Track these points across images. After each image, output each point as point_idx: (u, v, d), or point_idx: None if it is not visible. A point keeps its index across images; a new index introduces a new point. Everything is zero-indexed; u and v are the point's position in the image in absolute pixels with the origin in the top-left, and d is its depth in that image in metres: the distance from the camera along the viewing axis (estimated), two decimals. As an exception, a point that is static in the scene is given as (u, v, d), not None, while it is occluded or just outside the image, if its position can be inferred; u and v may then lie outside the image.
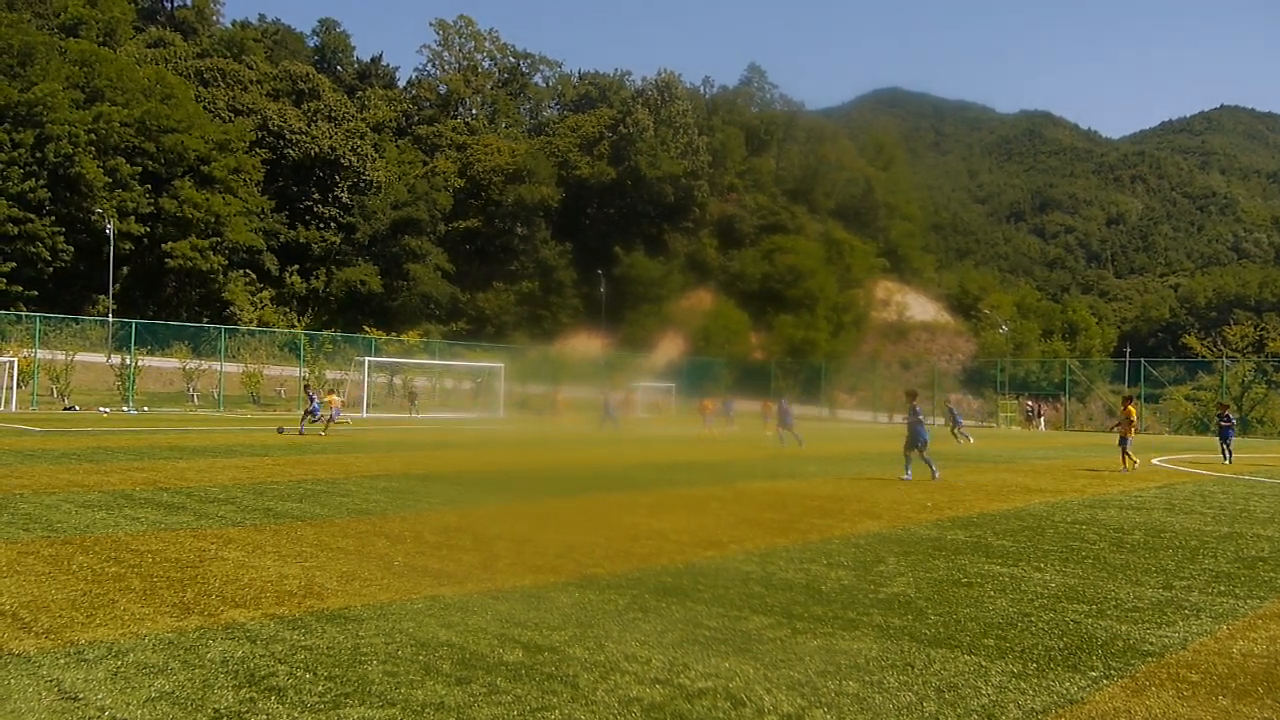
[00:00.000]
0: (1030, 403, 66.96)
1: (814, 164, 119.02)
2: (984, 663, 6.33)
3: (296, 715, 5.02)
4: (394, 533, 11.15)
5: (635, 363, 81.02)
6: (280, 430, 31.33)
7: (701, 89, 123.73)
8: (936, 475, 19.45)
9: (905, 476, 19.29)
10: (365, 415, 46.37)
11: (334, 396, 34.49)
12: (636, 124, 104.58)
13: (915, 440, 19.45)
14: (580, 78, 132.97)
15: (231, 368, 55.42)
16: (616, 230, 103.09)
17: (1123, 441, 23.77)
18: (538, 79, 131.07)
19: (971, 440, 37.09)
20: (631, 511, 13.77)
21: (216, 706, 5.11)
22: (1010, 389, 73.32)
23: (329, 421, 31.89)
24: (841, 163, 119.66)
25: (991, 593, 8.60)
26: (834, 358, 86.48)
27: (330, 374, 56.61)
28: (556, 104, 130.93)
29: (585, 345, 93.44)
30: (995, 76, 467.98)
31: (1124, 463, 23.47)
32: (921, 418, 19.88)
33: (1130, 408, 24.59)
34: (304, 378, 40.58)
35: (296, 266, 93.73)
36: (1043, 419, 63.41)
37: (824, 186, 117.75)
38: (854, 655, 6.41)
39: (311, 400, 32.35)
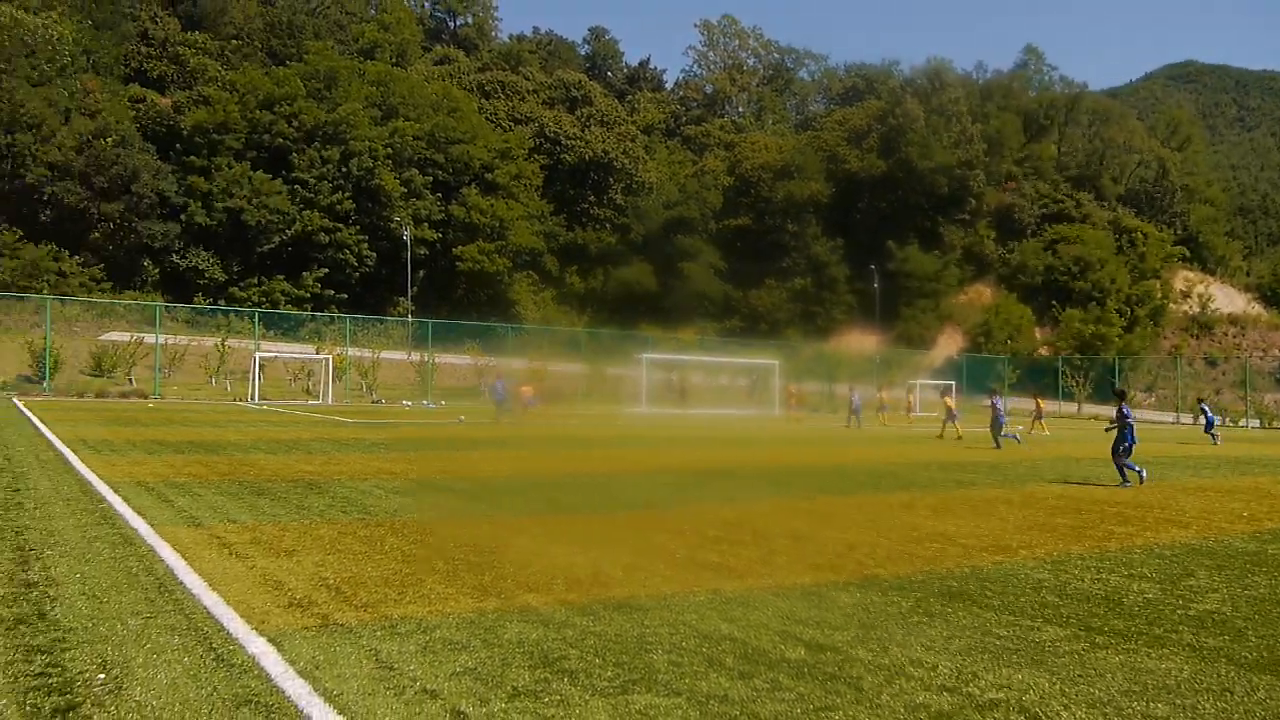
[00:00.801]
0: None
1: (1100, 147, 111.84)
2: (1317, 692, 5.75)
3: (587, 698, 5.21)
4: (674, 526, 11.37)
5: (912, 360, 79.03)
6: (460, 420, 32.88)
7: (974, 75, 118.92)
8: (1128, 483, 17.78)
9: (1125, 484, 17.76)
10: (644, 410, 47.56)
11: (527, 388, 35.90)
12: (906, 114, 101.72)
13: (1120, 442, 18.05)
14: (846, 70, 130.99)
15: (518, 364, 58.31)
16: (889, 224, 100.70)
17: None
18: (803, 74, 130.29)
19: (1219, 442, 34.03)
20: (913, 512, 13.44)
21: (514, 684, 5.39)
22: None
23: (524, 409, 33.23)
24: (1131, 144, 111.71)
25: (1322, 613, 7.80)
26: (1128, 354, 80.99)
27: (611, 370, 58.49)
28: (823, 98, 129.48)
29: (859, 342, 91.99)
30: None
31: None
32: (1131, 420, 18.37)
33: None
34: (498, 375, 42.20)
35: (575, 267, 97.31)
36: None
37: (1111, 171, 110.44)
38: (1162, 675, 5.98)
39: (498, 390, 33.49)
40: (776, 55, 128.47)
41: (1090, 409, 66.03)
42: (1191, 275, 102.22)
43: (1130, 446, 18.04)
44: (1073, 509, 14.28)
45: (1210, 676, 5.99)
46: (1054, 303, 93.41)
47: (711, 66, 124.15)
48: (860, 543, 10.55)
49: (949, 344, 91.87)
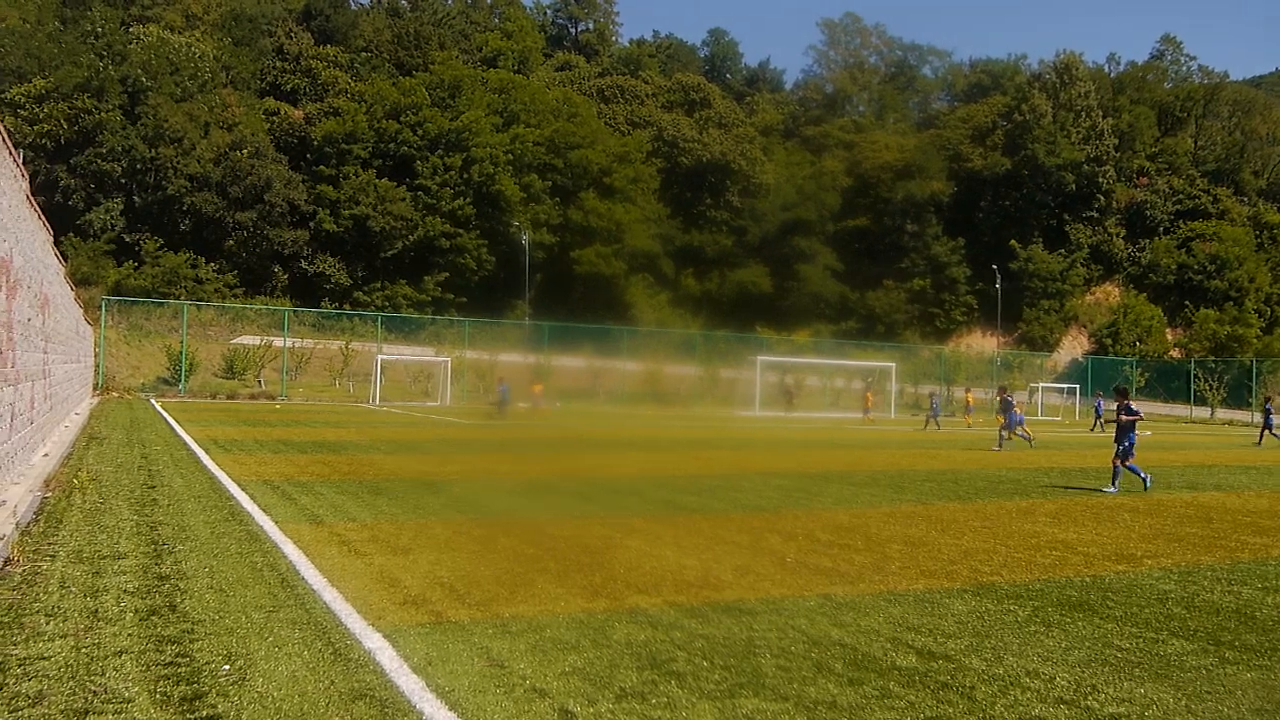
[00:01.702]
0: None
1: (1240, 140, 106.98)
2: None
3: (695, 701, 5.22)
4: (786, 529, 11.30)
5: (1034, 362, 76.88)
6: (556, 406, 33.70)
7: (1106, 67, 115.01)
8: (1115, 489, 16.54)
9: (1113, 489, 16.56)
10: (757, 413, 47.34)
11: (538, 386, 36.00)
12: (1033, 110, 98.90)
13: (1119, 443, 16.78)
14: (972, 66, 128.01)
15: (633, 366, 58.61)
16: (1012, 223, 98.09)
17: None
18: (926, 71, 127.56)
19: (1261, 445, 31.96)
20: (1032, 519, 13.08)
21: (622, 685, 5.43)
22: None
23: (535, 409, 33.41)
24: (1275, 136, 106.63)
25: None
26: (1267, 356, 77.27)
27: (725, 373, 58.39)
28: (946, 95, 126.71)
29: (980, 344, 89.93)
30: None
31: None
32: (1136, 418, 17.03)
33: None
34: (501, 378, 42.06)
35: (691, 269, 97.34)
36: None
37: (1252, 164, 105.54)
38: (1297, 693, 5.70)
39: (502, 389, 33.89)
40: (899, 53, 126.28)
41: (1224, 414, 63.24)
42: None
43: (1129, 448, 16.76)
44: (1202, 518, 13.70)
45: (1351, 696, 5.69)
46: (1187, 303, 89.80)
47: (832, 65, 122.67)
48: (976, 549, 10.32)
49: (1073, 346, 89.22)
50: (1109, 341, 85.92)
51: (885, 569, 9.04)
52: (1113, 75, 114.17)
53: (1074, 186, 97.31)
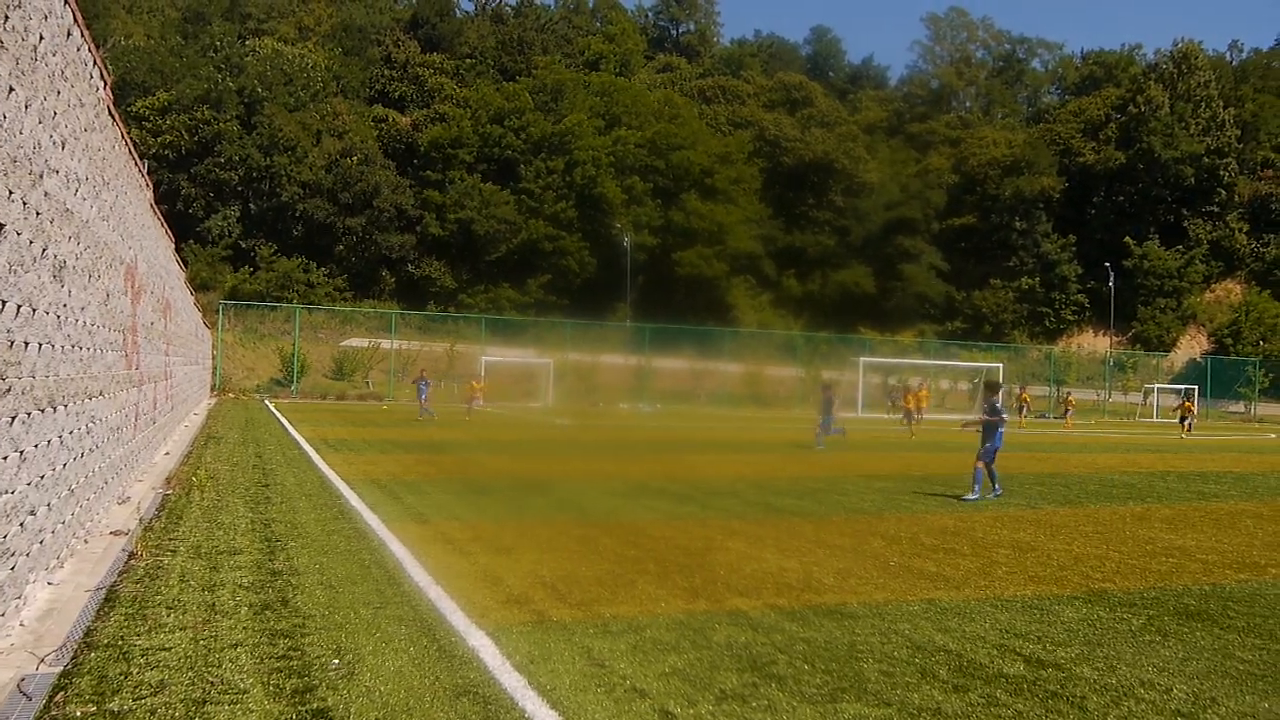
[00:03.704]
0: None
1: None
2: None
3: (795, 704, 5.18)
4: (889, 533, 11.15)
5: (1149, 363, 74.44)
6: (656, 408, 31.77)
7: (1228, 55, 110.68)
8: (975, 496, 14.53)
9: (973, 495, 14.59)
10: (860, 415, 46.75)
11: (476, 383, 34.39)
12: (1149, 101, 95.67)
13: (984, 443, 14.84)
14: (1083, 58, 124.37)
15: (734, 368, 58.40)
16: (1126, 219, 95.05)
17: None
18: (1035, 64, 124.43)
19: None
20: (1147, 524, 12.67)
21: (722, 687, 5.42)
22: None
23: (469, 408, 31.93)
24: None
25: None
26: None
27: (826, 373, 57.81)
28: (1057, 88, 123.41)
29: (1091, 344, 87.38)
30: None
31: None
32: (1002, 418, 14.98)
33: None
34: (422, 371, 39.18)
35: (793, 270, 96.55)
36: None
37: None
38: None
39: (421, 389, 32.23)
40: (1008, 46, 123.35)
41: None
42: None
43: (993, 449, 14.78)
44: (1335, 525, 13.11)
45: None
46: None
47: (938, 60, 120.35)
48: (1088, 555, 10.04)
49: (1192, 346, 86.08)
50: (1229, 341, 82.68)
51: (992, 574, 8.85)
52: (1235, 63, 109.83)
53: (1193, 180, 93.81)
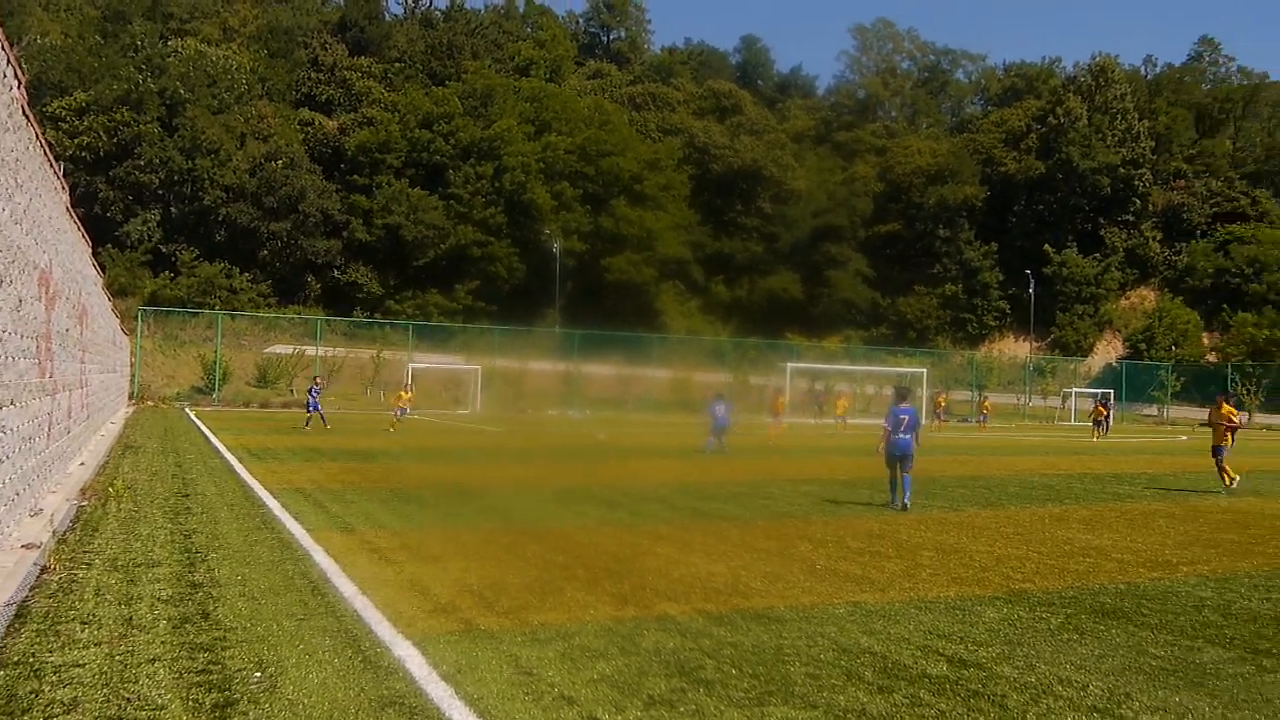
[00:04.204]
0: None
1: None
2: None
3: (723, 709, 5.21)
4: (816, 536, 11.27)
5: (1067, 367, 76.19)
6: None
7: (1142, 69, 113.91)
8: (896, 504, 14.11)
9: (893, 504, 14.20)
10: (785, 420, 47.10)
11: (405, 393, 33.63)
12: (1068, 113, 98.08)
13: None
14: (1005, 69, 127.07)
15: (663, 373, 58.51)
16: (1046, 227, 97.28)
17: (1220, 451, 18.03)
18: (959, 75, 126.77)
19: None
20: (1065, 525, 12.98)
21: (650, 693, 5.43)
22: None
23: (397, 419, 31.00)
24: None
25: None
26: (1308, 360, 76.17)
27: (755, 380, 58.24)
28: (980, 99, 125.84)
29: (1012, 349, 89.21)
30: None
31: (1223, 478, 17.97)
32: (904, 418, 14.34)
33: (1227, 406, 18.49)
34: (316, 376, 37.79)
35: (721, 276, 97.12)
36: None
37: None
38: (1336, 701, 5.62)
39: (312, 395, 30.93)
40: (932, 57, 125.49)
41: (1263, 418, 62.40)
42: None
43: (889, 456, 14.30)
44: (1240, 524, 13.54)
45: (1391, 706, 5.60)
46: (1224, 306, 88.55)
47: (864, 71, 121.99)
48: (1008, 556, 10.25)
49: (1107, 351, 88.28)
50: (1144, 346, 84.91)
51: (916, 576, 8.99)
52: (1149, 77, 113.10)
53: (1109, 190, 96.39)
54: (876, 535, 11.51)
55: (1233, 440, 18.35)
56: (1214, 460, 18.33)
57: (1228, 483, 17.92)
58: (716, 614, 7.26)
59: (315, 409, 30.43)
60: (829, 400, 41.78)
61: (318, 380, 33.81)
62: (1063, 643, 6.74)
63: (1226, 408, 18.53)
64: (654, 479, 17.81)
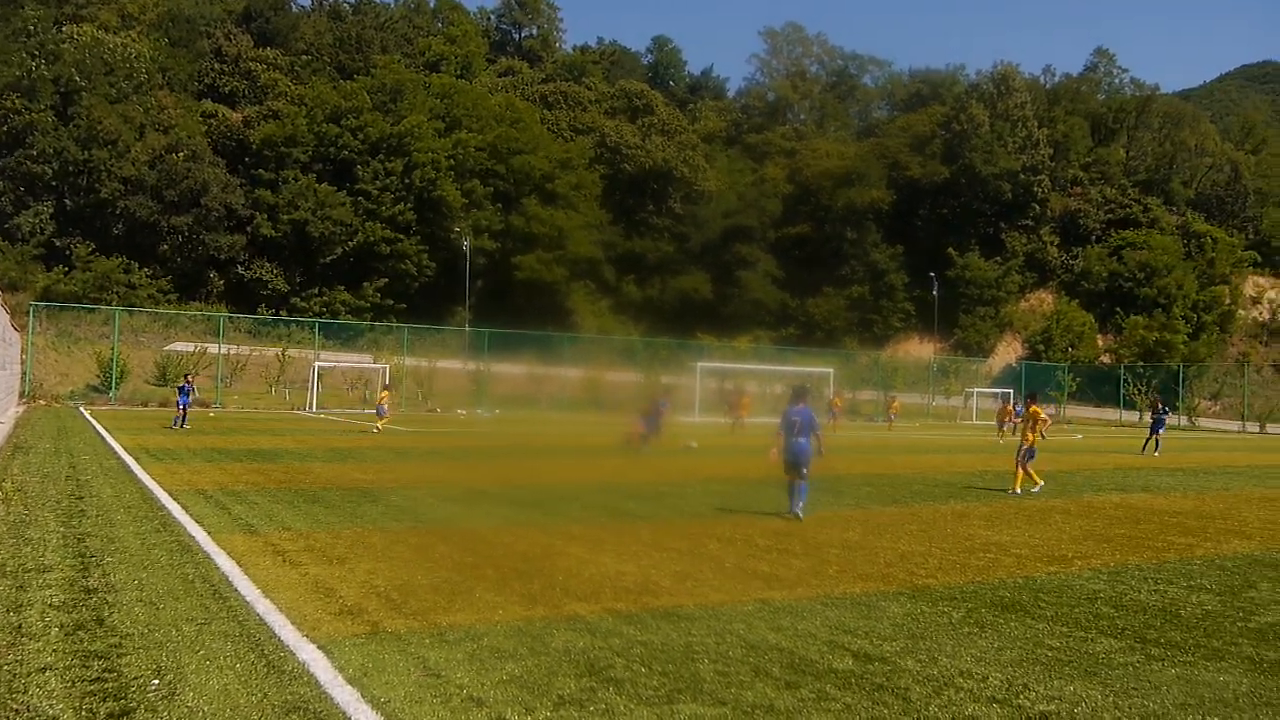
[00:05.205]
0: None
1: (1170, 151, 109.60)
2: (1383, 708, 5.59)
3: (633, 707, 5.23)
4: (725, 535, 11.36)
5: (969, 367, 78.03)
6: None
7: (1042, 79, 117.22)
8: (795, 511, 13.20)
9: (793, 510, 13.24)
10: (696, 419, 47.45)
11: (386, 393, 33.33)
12: (971, 120, 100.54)
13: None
14: (911, 76, 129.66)
15: (574, 373, 58.40)
16: (950, 231, 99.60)
17: (1025, 455, 17.41)
18: (867, 80, 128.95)
19: (1149, 451, 30.54)
20: (966, 521, 13.29)
21: (560, 693, 5.42)
22: None
23: (379, 418, 30.70)
24: (1202, 147, 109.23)
25: (1393, 629, 7.57)
26: (1193, 361, 79.24)
27: (666, 379, 58.43)
28: (886, 104, 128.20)
29: (917, 350, 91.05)
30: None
31: (1017, 482, 17.41)
32: (797, 420, 13.31)
33: (1035, 407, 18.20)
34: (192, 372, 36.80)
35: (632, 276, 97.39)
36: None
37: (1181, 175, 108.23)
38: (1219, 689, 5.86)
39: (183, 394, 29.41)
40: (841, 62, 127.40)
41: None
42: (1263, 280, 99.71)
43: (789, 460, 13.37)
44: (1131, 519, 14.03)
45: (1270, 690, 5.87)
46: (1117, 309, 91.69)
47: (774, 74, 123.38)
48: (912, 552, 10.46)
49: (1008, 351, 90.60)
50: (1042, 347, 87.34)
51: (823, 573, 9.12)
52: (1048, 86, 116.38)
53: (1010, 195, 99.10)
54: (784, 534, 11.65)
55: (1036, 439, 17.73)
56: (1020, 462, 17.58)
57: (1022, 489, 17.27)
58: (626, 613, 7.27)
59: (183, 405, 29.22)
60: (737, 400, 42.20)
61: (189, 378, 32.75)
62: (964, 636, 6.90)
63: (1034, 408, 18.25)
64: (566, 479, 17.78)
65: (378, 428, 30.15)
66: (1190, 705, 5.51)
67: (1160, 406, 33.91)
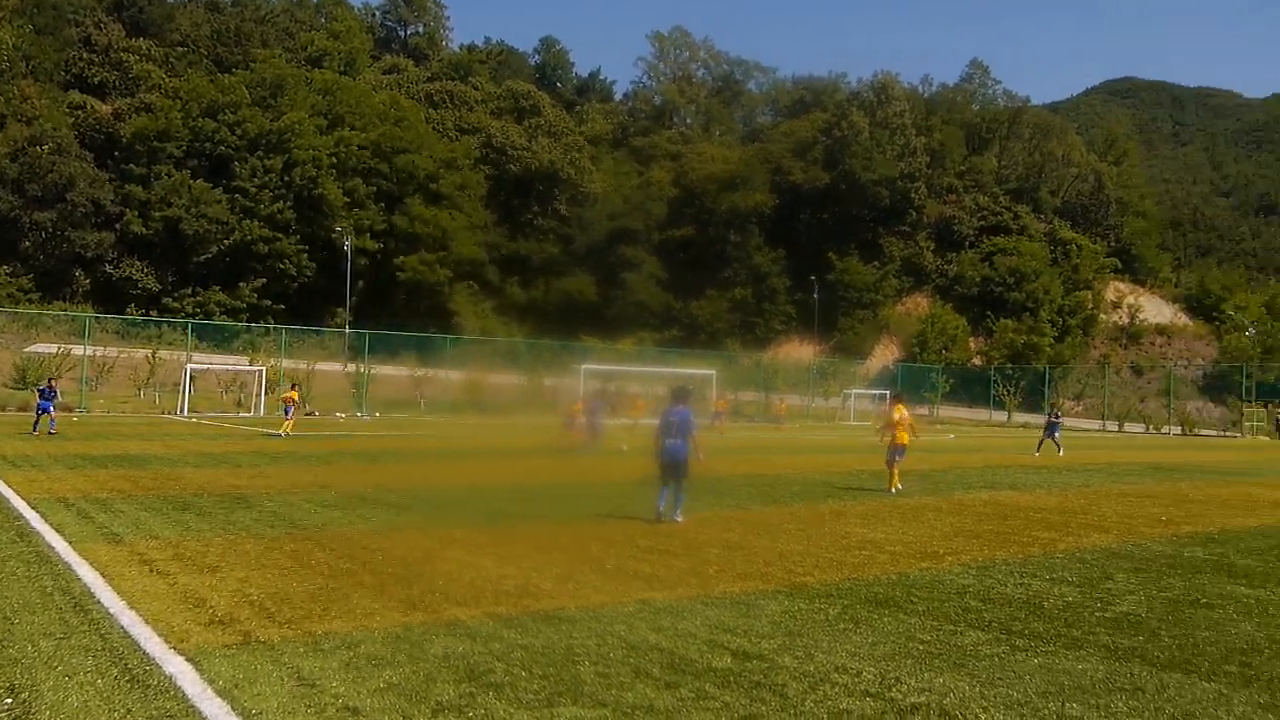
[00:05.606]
0: (1283, 411, 61.85)
1: (1039, 161, 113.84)
2: (1225, 690, 5.91)
3: (513, 711, 5.19)
4: (607, 537, 11.38)
5: (848, 369, 79.71)
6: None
7: (920, 88, 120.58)
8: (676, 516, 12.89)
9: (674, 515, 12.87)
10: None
11: (294, 392, 32.90)
12: (851, 127, 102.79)
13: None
14: (794, 83, 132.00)
15: (456, 375, 57.73)
16: (830, 235, 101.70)
17: (894, 454, 17.74)
18: (751, 85, 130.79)
19: (1041, 453, 31.70)
20: (843, 520, 13.57)
21: (439, 699, 5.35)
22: (1259, 396, 67.86)
23: (286, 419, 30.25)
24: (1069, 158, 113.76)
25: (1234, 615, 8.01)
26: (1058, 363, 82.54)
27: (549, 381, 58.23)
28: (770, 110, 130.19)
29: (798, 352, 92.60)
30: (1242, 58, 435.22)
31: (892, 481, 17.71)
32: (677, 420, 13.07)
33: (899, 406, 18.47)
34: (55, 374, 36.02)
35: (517, 277, 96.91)
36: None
37: (1049, 184, 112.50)
38: (1078, 676, 6.11)
39: (46, 396, 28.10)
40: (726, 67, 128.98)
41: (1021, 417, 67.08)
42: (1123, 286, 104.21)
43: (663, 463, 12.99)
44: (999, 515, 14.54)
45: (1124, 676, 6.14)
46: (989, 313, 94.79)
47: (661, 78, 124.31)
48: (791, 551, 10.64)
49: (885, 354, 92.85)
50: (917, 350, 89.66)
51: (703, 573, 9.20)
52: (926, 96, 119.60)
53: (888, 201, 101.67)
54: (665, 534, 11.72)
55: (906, 438, 17.98)
56: (889, 461, 17.78)
57: (894, 488, 17.46)
58: (507, 616, 7.22)
59: (45, 410, 27.84)
60: (621, 401, 42.20)
61: (51, 381, 31.25)
62: (839, 632, 7.04)
63: (899, 408, 18.37)
64: (447, 483, 17.59)
65: (286, 431, 29.30)
66: (1051, 693, 5.74)
67: (1055, 411, 35.34)
